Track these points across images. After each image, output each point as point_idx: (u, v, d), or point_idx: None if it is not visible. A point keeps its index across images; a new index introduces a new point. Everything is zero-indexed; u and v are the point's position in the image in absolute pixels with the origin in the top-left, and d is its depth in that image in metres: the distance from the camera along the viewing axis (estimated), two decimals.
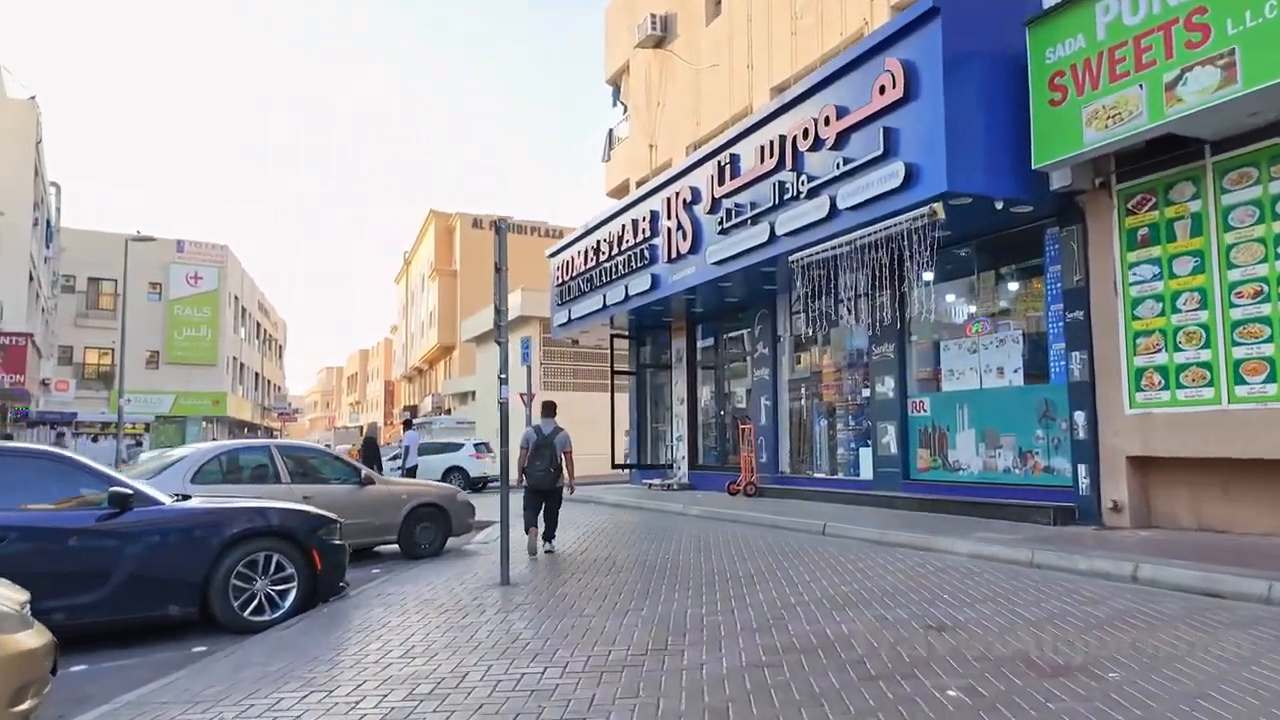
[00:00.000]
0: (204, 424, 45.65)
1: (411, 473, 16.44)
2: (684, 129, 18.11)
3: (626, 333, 19.29)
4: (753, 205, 12.25)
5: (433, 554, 10.52)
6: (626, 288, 15.96)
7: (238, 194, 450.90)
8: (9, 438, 21.96)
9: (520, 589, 7.43)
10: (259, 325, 59.03)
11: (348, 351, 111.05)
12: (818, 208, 10.80)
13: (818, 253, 10.94)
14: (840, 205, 10.41)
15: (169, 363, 44.84)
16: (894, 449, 11.98)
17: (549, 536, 9.68)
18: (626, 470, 19.90)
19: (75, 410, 36.65)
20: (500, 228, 7.84)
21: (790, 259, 11.33)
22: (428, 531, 10.63)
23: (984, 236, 10.82)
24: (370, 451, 16.71)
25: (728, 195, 12.84)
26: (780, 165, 11.61)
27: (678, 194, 14.26)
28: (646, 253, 15.33)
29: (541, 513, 9.58)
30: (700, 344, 17.86)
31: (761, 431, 14.94)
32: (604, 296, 16.90)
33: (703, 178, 13.58)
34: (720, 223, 12.93)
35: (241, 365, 52.68)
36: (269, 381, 65.15)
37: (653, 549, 9.60)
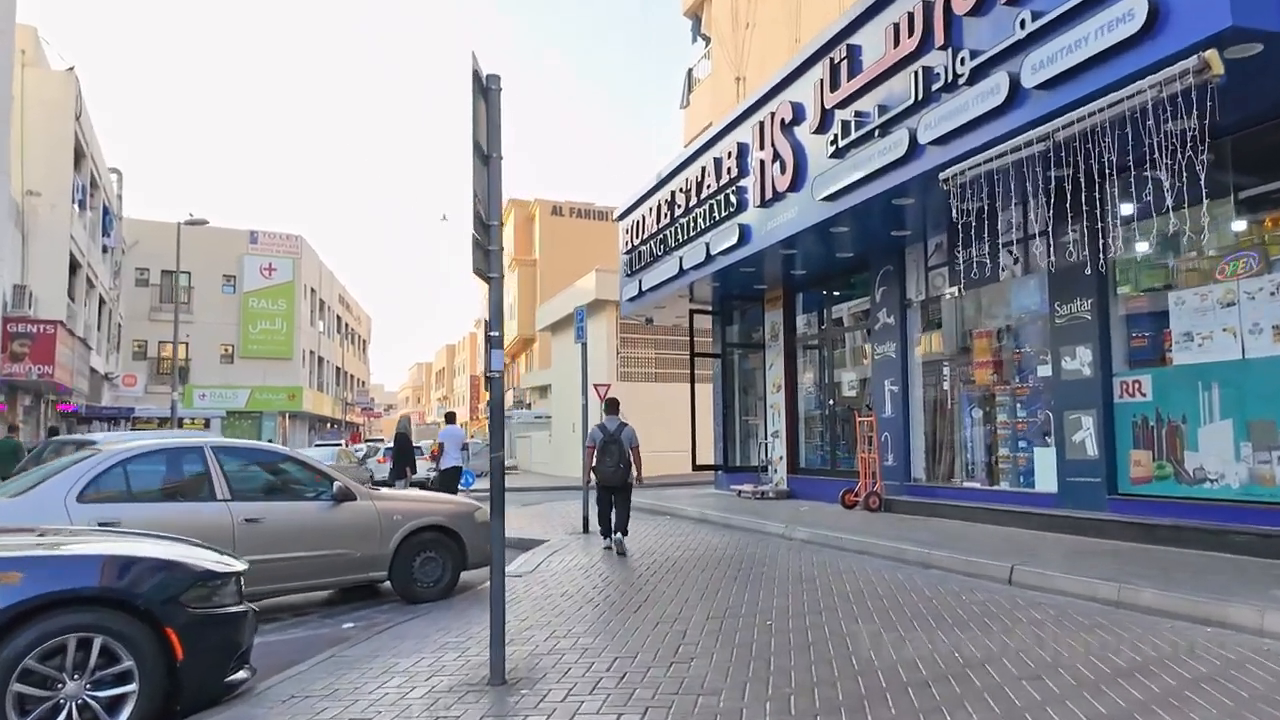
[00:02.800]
0: (280, 418, 44.47)
1: (449, 478, 13.59)
2: (779, 50, 14.66)
3: (709, 307, 15.97)
4: (880, 110, 8.81)
5: (439, 596, 7.63)
6: (707, 246, 12.68)
7: (333, 189, 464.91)
8: (55, 432, 20.19)
9: (518, 696, 4.30)
10: (339, 318, 58.00)
11: (437, 347, 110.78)
12: (987, 93, 7.30)
13: (984, 162, 7.44)
14: (1026, 83, 6.90)
15: (243, 357, 43.73)
16: (1092, 450, 8.36)
17: (621, 529, 9.33)
18: (711, 472, 16.54)
19: (149, 405, 35.68)
20: (486, 86, 4.71)
21: (941, 178, 7.86)
22: (431, 566, 7.71)
23: (1248, 128, 7.11)
24: (401, 450, 13.91)
25: (843, 103, 9.43)
26: (925, 45, 8.13)
27: (773, 115, 10.90)
28: (733, 198, 12.01)
29: (613, 509, 9.33)
30: (801, 317, 14.41)
31: (886, 426, 11.44)
32: (680, 260, 13.66)
33: (807, 88, 10.18)
34: (833, 142, 9.52)
35: (320, 359, 51.54)
36: (352, 376, 64.35)
37: (745, 604, 6.33)
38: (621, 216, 16.72)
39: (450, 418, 14.89)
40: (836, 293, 13.46)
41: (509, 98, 4.92)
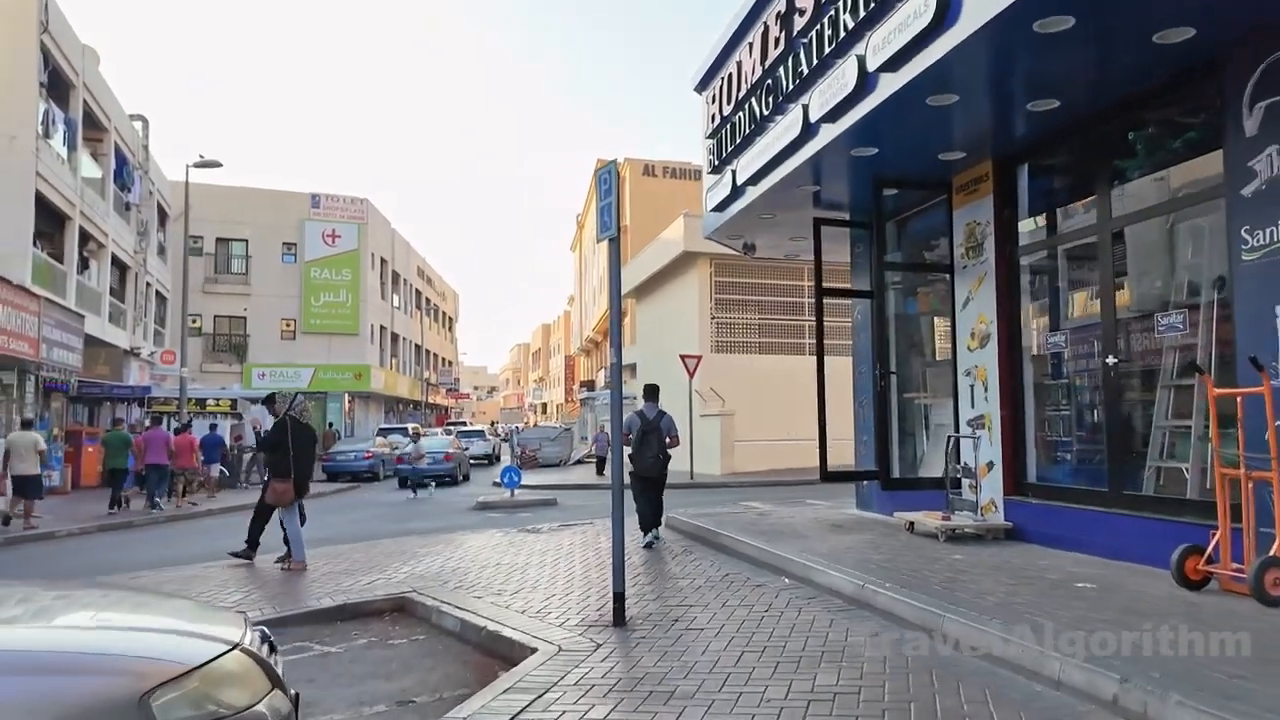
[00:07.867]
0: (346, 399, 40.33)
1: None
2: None
3: (845, 213, 9.73)
4: None
5: None
6: (860, 61, 6.56)
7: (435, 164, 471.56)
8: (28, 425, 15.35)
9: None
10: (419, 293, 53.84)
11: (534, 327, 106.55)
12: None
13: None
14: None
15: (306, 332, 39.73)
16: None
17: (655, 524, 8.75)
18: (850, 480, 10.34)
19: (198, 386, 31.76)
20: None
21: None
22: None
23: None
24: (274, 445, 8.15)
25: None
26: None
27: None
28: None
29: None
30: (1027, 209, 8.03)
31: None
32: (804, 111, 7.56)
33: None
34: None
35: (395, 336, 47.36)
36: (436, 355, 60.33)
37: None
38: (702, 84, 10.65)
39: (269, 400, 9.71)
40: (1122, 154, 6.99)
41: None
